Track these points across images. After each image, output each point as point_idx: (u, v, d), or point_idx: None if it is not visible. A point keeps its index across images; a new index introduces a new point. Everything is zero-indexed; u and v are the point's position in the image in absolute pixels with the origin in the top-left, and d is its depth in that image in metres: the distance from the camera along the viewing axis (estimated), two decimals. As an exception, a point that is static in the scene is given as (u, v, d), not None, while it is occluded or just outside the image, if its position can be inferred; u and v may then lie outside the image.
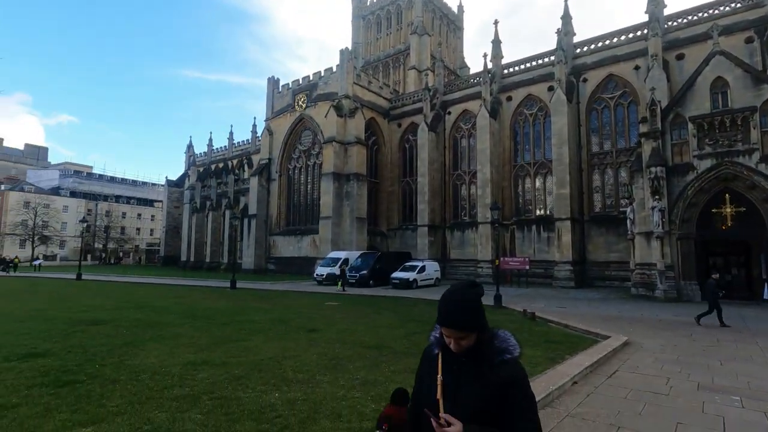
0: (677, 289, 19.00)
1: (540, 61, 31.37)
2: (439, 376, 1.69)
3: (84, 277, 29.20)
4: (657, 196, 19.56)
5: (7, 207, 63.45)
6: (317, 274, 27.71)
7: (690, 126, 19.62)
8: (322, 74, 38.10)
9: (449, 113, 35.79)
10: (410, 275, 25.05)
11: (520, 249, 30.31)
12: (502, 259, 26.23)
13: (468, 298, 1.69)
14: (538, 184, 31.14)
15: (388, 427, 2.17)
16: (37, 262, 47.37)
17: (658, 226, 19.41)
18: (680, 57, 24.73)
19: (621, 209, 25.79)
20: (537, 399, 5.04)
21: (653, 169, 19.79)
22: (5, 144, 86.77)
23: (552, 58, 29.80)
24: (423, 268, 26.06)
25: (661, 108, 20.46)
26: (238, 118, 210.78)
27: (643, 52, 25.73)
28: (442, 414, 1.58)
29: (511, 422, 1.57)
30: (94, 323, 10.30)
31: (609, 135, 28.46)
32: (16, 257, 46.44)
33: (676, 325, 12.12)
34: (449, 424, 1.53)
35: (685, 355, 8.34)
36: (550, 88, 29.22)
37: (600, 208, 28.36)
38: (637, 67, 26.53)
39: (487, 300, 16.91)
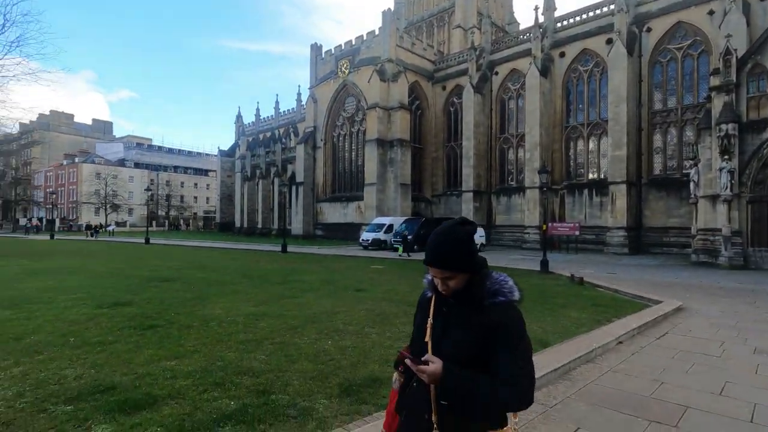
0: (744, 256, 17.77)
1: (598, 12, 28.97)
2: (429, 319, 1.64)
3: (151, 241, 31.86)
4: (726, 156, 18.02)
5: (81, 178, 69.49)
6: (363, 240, 28.45)
7: (771, 76, 17.63)
8: (365, 38, 37.45)
9: (496, 73, 34.25)
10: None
11: (569, 214, 29.29)
12: (550, 224, 25.58)
13: (455, 236, 1.56)
14: (591, 146, 29.53)
15: (403, 369, 2.19)
16: (110, 228, 52.14)
17: (726, 188, 17.99)
18: (765, -3, 21.90)
19: (684, 171, 24.04)
20: (578, 355, 5.17)
21: (724, 126, 18.14)
22: (75, 119, 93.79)
23: (611, 7, 27.43)
24: (468, 234, 25.97)
25: (737, 57, 18.45)
26: (282, 87, 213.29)
27: (719, -6, 23.02)
28: (426, 356, 1.51)
29: (496, 367, 1.45)
30: (165, 280, 11.42)
31: (674, 90, 26.17)
32: (100, 224, 51.48)
33: (739, 292, 11.49)
34: (430, 364, 1.45)
35: (744, 321, 7.99)
36: (609, 41, 27.06)
37: (660, 171, 26.57)
38: (711, 12, 23.84)
39: (534, 265, 16.79)
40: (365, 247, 27.57)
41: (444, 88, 38.20)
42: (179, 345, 5.29)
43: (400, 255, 22.53)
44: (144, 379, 4.12)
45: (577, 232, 25.52)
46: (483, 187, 33.98)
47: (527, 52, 31.16)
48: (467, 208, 33.14)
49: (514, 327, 1.50)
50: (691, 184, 20.75)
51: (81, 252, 22.07)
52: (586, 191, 28.87)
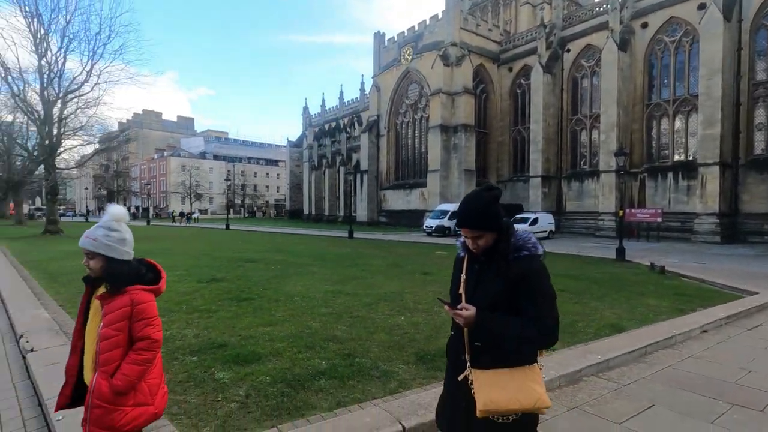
0: None
1: (688, -26, 26.03)
2: (462, 275, 1.85)
3: (231, 227, 34.64)
4: None
5: (169, 170, 76.82)
6: (426, 226, 28.66)
7: None
8: (428, 23, 37.03)
9: (568, 51, 32.24)
10: (521, 227, 24.43)
11: (651, 200, 27.13)
12: (628, 210, 23.98)
13: (481, 200, 1.77)
14: (678, 124, 26.96)
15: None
16: (194, 215, 57.34)
17: None
18: None
19: (793, 150, 21.21)
20: (656, 340, 5.09)
21: None
22: (163, 117, 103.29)
23: (705, -33, 24.51)
24: (535, 221, 25.18)
25: None
26: (346, 77, 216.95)
27: None
28: (461, 304, 1.72)
29: (523, 311, 1.66)
30: (249, 261, 12.58)
31: (783, 57, 22.98)
32: (190, 211, 56.98)
33: None
34: (466, 310, 1.67)
35: None
36: (701, 6, 24.33)
37: (762, 150, 23.66)
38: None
39: (608, 253, 15.98)
40: (429, 234, 27.77)
41: (510, 69, 36.74)
42: (271, 315, 6.00)
43: None
44: (248, 340, 4.80)
45: (658, 219, 23.62)
46: (552, 172, 32.46)
47: (604, 26, 28.95)
48: (535, 194, 31.93)
49: (537, 276, 1.69)
50: (802, 165, 18.30)
51: (174, 236, 24.73)
52: (670, 174, 26.49)
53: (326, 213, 52.47)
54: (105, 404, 1.76)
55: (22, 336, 4.67)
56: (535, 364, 1.75)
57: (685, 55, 26.40)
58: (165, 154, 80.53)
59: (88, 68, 22.80)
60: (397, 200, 40.81)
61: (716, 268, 13.26)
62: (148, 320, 1.87)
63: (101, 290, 1.90)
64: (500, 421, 1.68)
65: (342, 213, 48.63)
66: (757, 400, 3.65)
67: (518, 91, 36.39)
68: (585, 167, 31.64)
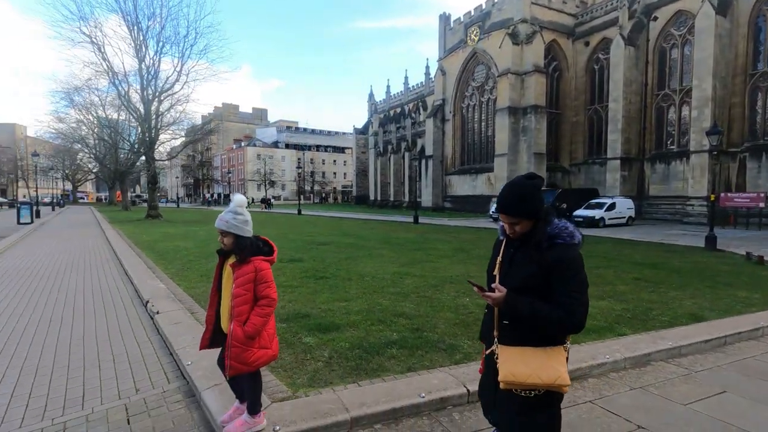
0: None
1: None
2: (498, 257, 1.95)
3: (302, 212, 36.66)
4: None
5: (246, 159, 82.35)
6: (492, 212, 28.10)
7: None
8: (496, 0, 35.55)
9: (654, 19, 29.27)
10: (596, 213, 23.13)
11: (753, 183, 24.19)
12: (723, 194, 21.75)
13: (521, 188, 1.83)
14: (790, 96, 23.52)
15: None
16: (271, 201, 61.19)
17: None
18: None
19: None
20: (737, 331, 4.89)
21: None
22: (240, 109, 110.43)
23: None
24: (612, 206, 23.66)
25: None
26: (411, 61, 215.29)
27: None
28: (494, 285, 1.82)
29: (554, 296, 1.74)
30: (321, 244, 13.47)
31: None
32: (272, 197, 60.79)
33: None
34: (497, 291, 1.78)
35: None
36: (825, -44, 20.78)
37: None
38: None
39: (697, 241, 14.76)
40: (495, 219, 27.25)
41: (587, 44, 34.20)
42: (345, 292, 6.58)
43: None
44: (327, 312, 5.39)
45: (761, 204, 21.02)
46: (633, 153, 30.01)
47: (699, -13, 25.85)
48: (613, 178, 29.83)
49: (570, 264, 1.75)
50: None
51: (254, 220, 26.86)
52: (778, 153, 23.34)
53: (391, 198, 53.26)
54: (240, 344, 2.34)
55: (148, 301, 5.67)
56: (561, 346, 1.84)
57: (802, 14, 22.83)
58: (242, 144, 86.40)
59: (178, 68, 25.28)
60: (462, 185, 40.31)
61: (831, 259, 11.71)
62: (267, 283, 2.41)
63: (231, 260, 2.46)
64: (523, 394, 1.81)
65: (407, 198, 49.08)
66: None
67: (595, 66, 33.86)
68: (672, 147, 28.86)
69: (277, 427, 2.57)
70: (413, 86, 58.21)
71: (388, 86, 63.17)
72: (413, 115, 53.93)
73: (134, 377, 3.61)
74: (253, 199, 61.31)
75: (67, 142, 50.59)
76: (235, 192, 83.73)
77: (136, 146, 36.64)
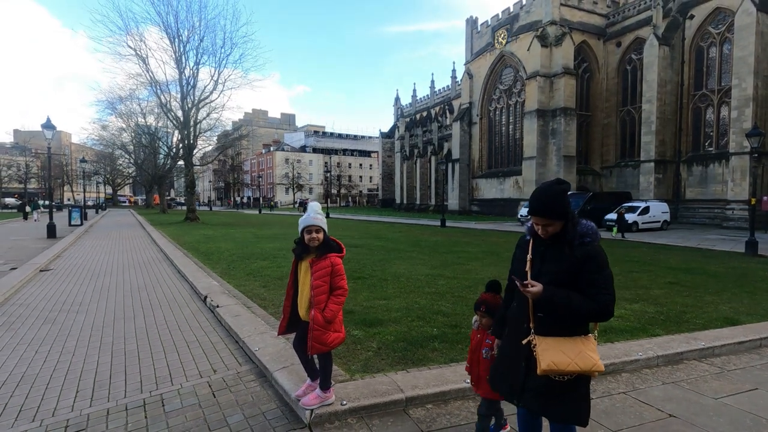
0: None
1: None
2: (528, 255, 2.10)
3: (330, 215, 37.40)
4: None
5: (275, 163, 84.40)
6: (521, 215, 27.96)
7: None
8: (524, 3, 35.40)
9: (691, 17, 28.49)
10: (629, 217, 22.66)
11: (798, 185, 23.15)
12: (766, 198, 20.92)
13: (552, 192, 2.01)
14: (839, 94, 22.45)
15: (485, 308, 2.60)
16: (296, 205, 62.51)
17: None
18: None
19: None
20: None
21: None
22: (269, 115, 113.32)
23: None
24: (646, 210, 23.16)
25: None
26: (436, 65, 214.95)
27: None
28: (529, 281, 1.98)
29: (584, 288, 1.93)
30: (353, 246, 13.90)
31: None
32: (307, 200, 61.97)
33: None
34: (533, 286, 1.94)
35: None
36: None
37: None
38: None
39: (737, 246, 14.43)
40: (523, 223, 27.02)
41: (619, 44, 33.56)
42: (384, 291, 6.97)
43: (614, 235, 19.35)
44: (369, 309, 5.78)
45: (807, 208, 20.17)
46: (668, 155, 29.21)
47: (739, -16, 25.03)
48: (646, 181, 29.12)
49: (597, 259, 1.96)
50: None
51: (284, 222, 27.72)
52: (826, 155, 22.28)
53: (418, 202, 53.49)
54: (320, 328, 2.77)
55: (206, 297, 6.23)
56: (591, 335, 2.05)
57: None
58: (271, 148, 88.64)
59: (215, 78, 26.49)
60: (489, 189, 40.15)
61: None
62: (341, 276, 2.84)
63: (309, 257, 2.88)
64: (557, 379, 1.99)
65: (433, 202, 49.20)
66: None
67: (627, 67, 33.16)
68: (710, 149, 27.94)
69: (344, 402, 2.97)
70: (439, 90, 58.34)
71: (414, 90, 63.51)
72: (440, 118, 54.04)
73: (209, 360, 4.11)
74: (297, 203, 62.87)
75: (108, 148, 53.41)
76: (268, 195, 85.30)
77: (173, 151, 38.43)
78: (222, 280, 7.96)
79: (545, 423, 2.31)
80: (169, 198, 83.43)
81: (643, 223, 22.67)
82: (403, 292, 6.98)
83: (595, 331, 2.12)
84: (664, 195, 28.12)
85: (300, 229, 2.93)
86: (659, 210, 23.96)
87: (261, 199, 76.93)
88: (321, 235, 2.88)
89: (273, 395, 3.36)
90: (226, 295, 6.34)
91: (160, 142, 40.81)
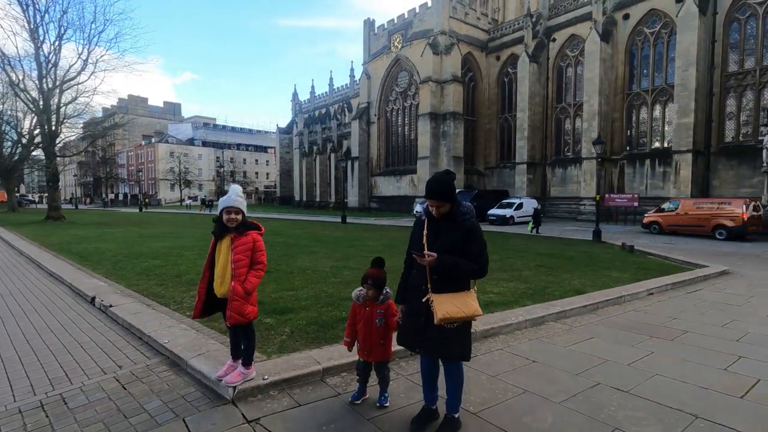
0: (816, 227, 17.07)
1: (667, -32, 27.11)
2: (425, 231, 2.62)
3: (226, 212, 35.26)
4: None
5: (158, 156, 76.23)
6: (416, 211, 29.87)
7: None
8: (417, 11, 37.59)
9: (554, 40, 33.27)
10: (507, 212, 25.78)
11: (629, 186, 28.69)
12: (607, 195, 25.45)
13: (444, 180, 2.58)
14: (655, 113, 28.38)
15: (372, 281, 2.95)
16: (187, 202, 57.50)
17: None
18: None
19: (759, 138, 22.73)
20: (607, 299, 6.35)
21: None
22: (150, 103, 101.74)
23: (683, -38, 25.59)
24: (520, 206, 26.52)
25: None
26: (334, 62, 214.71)
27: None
28: (426, 251, 2.50)
29: (468, 254, 2.52)
30: (255, 242, 13.58)
31: (753, 50, 24.44)
32: (212, 199, 52.87)
33: (794, 260, 11.57)
34: (430, 256, 2.46)
35: (785, 282, 8.47)
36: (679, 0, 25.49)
37: (732, 138, 25.25)
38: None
39: (587, 235, 17.37)
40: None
41: (498, 58, 37.68)
42: (291, 282, 7.10)
43: (530, 231, 20.35)
44: (278, 300, 5.90)
45: (635, 204, 25.11)
46: (537, 158, 33.81)
47: (587, 16, 30.03)
48: (521, 180, 33.30)
49: (476, 231, 2.58)
50: (764, 152, 19.84)
51: (169, 221, 25.49)
52: (647, 161, 28.01)
53: (317, 199, 53.27)
54: (239, 299, 2.94)
55: (94, 297, 5.69)
56: (472, 290, 2.63)
57: (663, 46, 27.66)
58: (153, 140, 79.83)
59: (84, 57, 23.12)
60: (387, 186, 41.83)
61: (682, 248, 14.67)
62: (262, 251, 3.05)
63: (228, 235, 3.00)
64: (448, 326, 2.52)
65: (333, 199, 49.50)
66: (671, 334, 4.89)
67: (505, 79, 37.40)
68: (568, 154, 33.02)
69: (266, 377, 3.16)
70: (338, 88, 58.73)
71: (313, 87, 63.04)
72: (338, 116, 54.46)
73: (111, 358, 3.87)
74: (194, 199, 57.09)
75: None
76: (149, 192, 76.57)
77: (25, 139, 32.47)
78: (109, 280, 7.27)
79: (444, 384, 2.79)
80: (19, 195, 70.16)
81: (518, 217, 25.95)
82: (310, 282, 7.21)
83: (475, 287, 2.69)
84: (535, 193, 32.47)
85: (219, 209, 3.12)
86: (531, 206, 27.55)
87: (142, 195, 69.00)
88: (240, 216, 3.08)
89: (190, 380, 3.38)
90: (119, 295, 5.87)
91: (8, 127, 34.13)
